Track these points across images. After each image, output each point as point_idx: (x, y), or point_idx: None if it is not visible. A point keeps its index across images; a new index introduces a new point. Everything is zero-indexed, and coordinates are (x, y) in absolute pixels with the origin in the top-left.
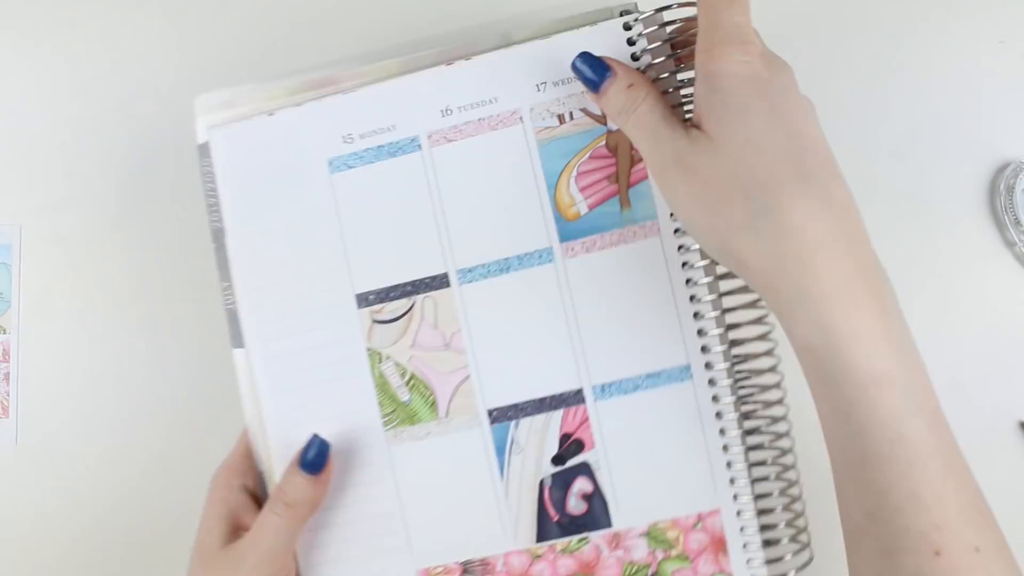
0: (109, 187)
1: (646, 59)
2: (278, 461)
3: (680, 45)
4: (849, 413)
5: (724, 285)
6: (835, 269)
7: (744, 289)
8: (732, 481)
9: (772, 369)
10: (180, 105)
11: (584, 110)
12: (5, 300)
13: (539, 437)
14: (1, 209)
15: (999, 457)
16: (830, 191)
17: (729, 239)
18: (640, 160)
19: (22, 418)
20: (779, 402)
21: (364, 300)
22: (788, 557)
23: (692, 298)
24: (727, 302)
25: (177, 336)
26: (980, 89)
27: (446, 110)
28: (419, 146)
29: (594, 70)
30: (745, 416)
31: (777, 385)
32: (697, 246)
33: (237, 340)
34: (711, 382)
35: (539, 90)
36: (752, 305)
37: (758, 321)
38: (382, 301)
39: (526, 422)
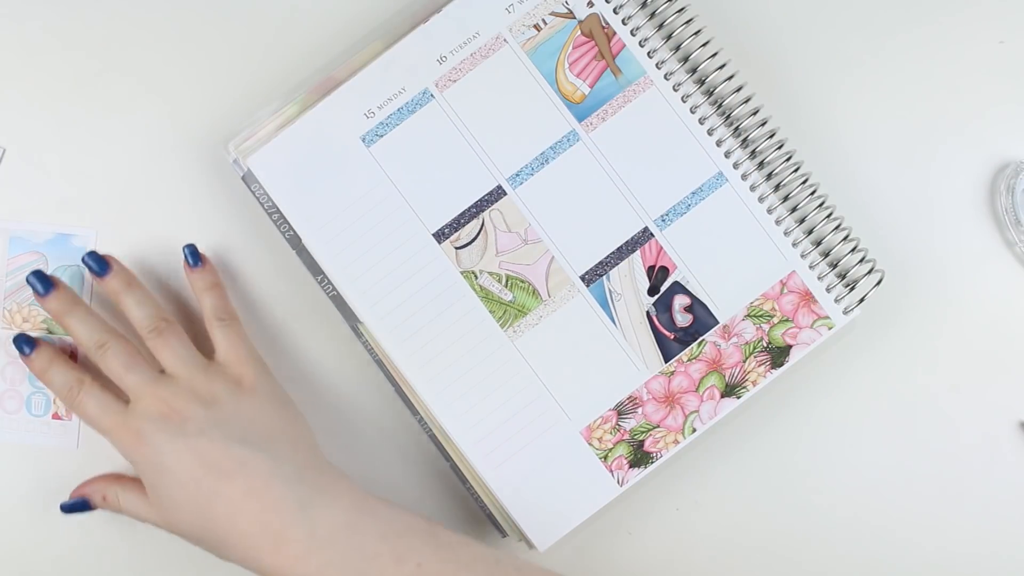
0: (110, 188)
1: None
2: (432, 405)
3: None
4: None
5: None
6: (239, 529)
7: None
8: (794, 244)
9: (774, 135)
10: (181, 105)
11: (552, 13)
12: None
13: (630, 279)
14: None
15: (999, 457)
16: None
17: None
18: (615, 33)
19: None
20: (794, 160)
21: (441, 235)
22: (864, 279)
23: (700, 120)
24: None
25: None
26: (980, 89)
27: (441, 58)
28: (431, 96)
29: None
30: (778, 187)
31: (781, 145)
32: (690, 80)
33: (352, 318)
34: (743, 176)
35: (509, 12)
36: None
37: (754, 113)
38: (456, 230)
39: (614, 272)
